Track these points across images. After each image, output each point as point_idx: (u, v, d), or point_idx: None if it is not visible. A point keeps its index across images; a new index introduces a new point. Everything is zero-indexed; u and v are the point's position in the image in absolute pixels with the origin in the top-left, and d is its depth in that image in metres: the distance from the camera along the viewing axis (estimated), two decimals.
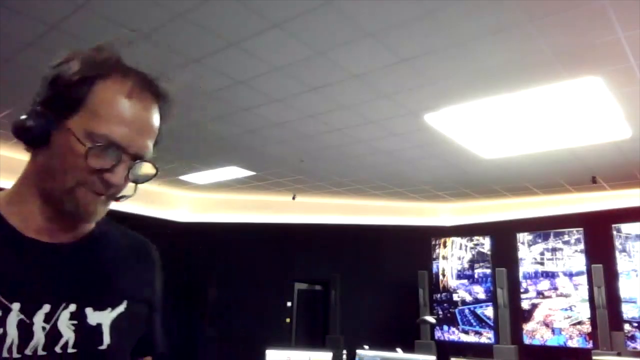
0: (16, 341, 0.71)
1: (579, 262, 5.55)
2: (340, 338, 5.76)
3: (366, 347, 4.04)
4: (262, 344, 4.17)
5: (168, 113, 0.86)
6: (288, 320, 6.78)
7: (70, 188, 0.75)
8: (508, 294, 5.70)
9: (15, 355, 0.70)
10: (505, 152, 4.21)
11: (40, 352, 0.73)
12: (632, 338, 5.01)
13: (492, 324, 5.99)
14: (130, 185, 0.81)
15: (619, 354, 4.82)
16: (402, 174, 5.14)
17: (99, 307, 0.80)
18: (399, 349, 3.97)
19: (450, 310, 6.37)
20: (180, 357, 6.04)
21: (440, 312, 6.40)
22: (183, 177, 5.61)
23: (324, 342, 5.91)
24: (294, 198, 6.16)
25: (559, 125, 3.59)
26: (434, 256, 6.60)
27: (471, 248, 6.39)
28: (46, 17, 2.44)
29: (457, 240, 6.51)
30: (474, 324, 6.16)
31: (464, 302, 6.30)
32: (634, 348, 4.95)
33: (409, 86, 3.08)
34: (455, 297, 6.38)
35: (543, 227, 5.83)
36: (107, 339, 0.79)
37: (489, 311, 6.06)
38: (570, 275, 5.58)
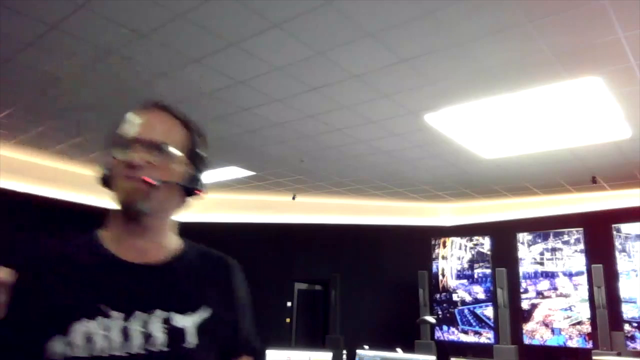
0: (120, 342, 0.88)
1: (578, 262, 5.54)
2: (340, 338, 5.76)
3: (366, 347, 4.04)
4: (262, 344, 4.16)
5: (192, 126, 1.09)
6: (288, 320, 6.78)
7: (116, 185, 0.96)
8: (508, 294, 5.70)
9: (120, 354, 0.87)
10: (505, 152, 4.22)
11: (140, 351, 0.89)
12: (632, 338, 5.01)
13: (491, 324, 5.99)
14: (173, 174, 0.99)
15: (619, 354, 4.82)
16: (402, 174, 5.14)
17: (184, 312, 0.96)
18: (399, 349, 3.97)
19: (450, 310, 6.37)
20: None
21: (440, 312, 6.40)
22: None
23: (324, 342, 5.91)
24: (294, 198, 6.16)
25: (559, 125, 3.59)
26: (434, 256, 6.60)
27: (471, 248, 6.39)
28: (46, 17, 2.44)
29: (457, 240, 6.50)
30: (474, 324, 6.16)
31: (463, 302, 6.30)
32: (634, 348, 4.95)
33: (409, 86, 3.09)
34: (454, 297, 6.37)
35: (543, 227, 5.83)
36: (191, 339, 0.94)
37: (488, 311, 6.06)
38: (570, 275, 5.58)
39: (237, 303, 1.07)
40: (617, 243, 5.27)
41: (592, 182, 4.85)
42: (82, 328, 0.86)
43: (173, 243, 1.05)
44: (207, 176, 1.09)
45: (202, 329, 0.96)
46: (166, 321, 0.93)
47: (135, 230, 0.98)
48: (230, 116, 3.72)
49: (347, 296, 6.37)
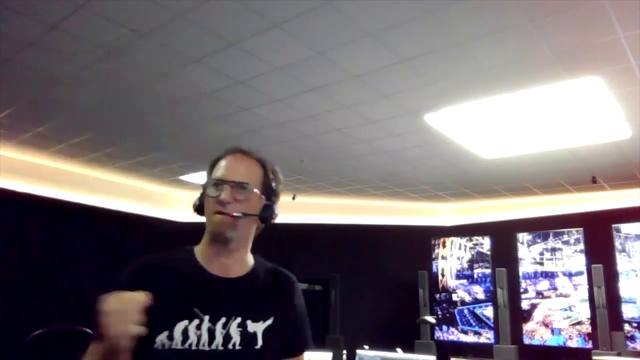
0: (207, 340, 1.14)
1: (578, 262, 5.54)
2: (340, 338, 5.76)
3: (366, 347, 4.04)
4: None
5: (267, 165, 1.31)
6: None
7: (208, 217, 1.23)
8: (508, 294, 5.71)
9: (206, 349, 1.13)
10: (505, 152, 4.21)
11: (220, 348, 1.14)
12: (632, 338, 5.01)
13: (491, 324, 5.99)
14: (253, 207, 1.25)
15: (619, 354, 4.82)
16: (402, 174, 5.14)
17: (255, 320, 1.21)
18: (399, 349, 3.97)
19: (450, 310, 6.37)
20: None
21: (439, 313, 6.39)
22: (183, 177, 5.61)
23: (324, 342, 5.90)
24: (294, 198, 6.15)
25: (559, 125, 3.59)
26: (434, 256, 6.60)
27: (470, 248, 6.38)
28: (46, 17, 2.44)
29: (456, 240, 6.50)
30: (473, 324, 6.16)
31: (463, 302, 6.30)
32: (634, 348, 4.95)
33: (409, 86, 3.08)
34: (454, 297, 6.37)
35: (543, 227, 5.83)
36: (260, 342, 1.19)
37: (488, 311, 6.06)
38: (570, 275, 5.58)
39: (296, 312, 1.32)
40: (617, 243, 5.27)
41: (592, 182, 4.85)
42: (181, 327, 1.13)
43: (249, 261, 1.31)
44: (277, 206, 1.35)
45: (268, 333, 1.20)
46: (241, 325, 1.18)
47: (222, 251, 1.23)
48: (230, 116, 3.72)
49: (347, 296, 6.37)
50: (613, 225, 5.31)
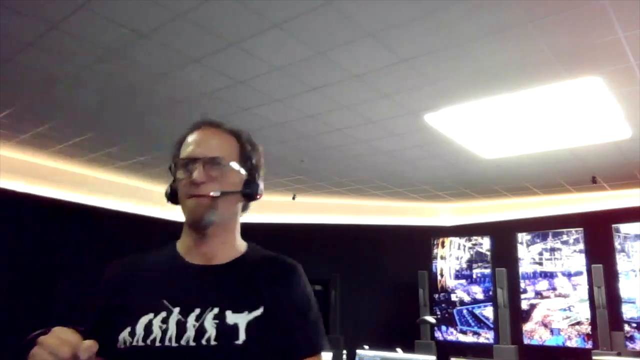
0: (175, 334, 0.98)
1: (577, 262, 5.54)
2: (340, 338, 5.76)
3: (366, 347, 4.04)
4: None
5: (243, 136, 1.16)
6: None
7: (183, 203, 1.10)
8: (508, 294, 5.71)
9: (173, 344, 0.97)
10: (505, 152, 4.21)
11: (191, 343, 0.97)
12: (631, 339, 5.01)
13: (490, 325, 5.99)
14: (232, 184, 1.09)
15: (619, 354, 4.82)
16: (402, 174, 5.14)
17: (237, 310, 1.02)
18: (399, 349, 3.97)
19: (449, 310, 6.37)
20: None
21: (438, 313, 6.39)
22: None
23: None
24: (294, 198, 6.15)
25: (559, 125, 3.59)
26: (433, 256, 6.60)
27: (469, 248, 6.39)
28: (46, 17, 2.44)
29: (455, 240, 6.51)
30: (472, 324, 6.16)
31: (462, 303, 6.30)
32: (633, 348, 4.95)
33: (409, 86, 3.08)
34: (453, 298, 6.37)
35: (543, 227, 5.83)
36: (242, 336, 0.99)
37: (487, 311, 6.06)
38: (569, 275, 5.58)
39: (294, 303, 1.09)
40: (616, 243, 5.27)
41: (592, 182, 4.85)
42: (144, 321, 0.99)
43: (238, 247, 1.15)
44: (260, 180, 1.19)
45: (255, 326, 1.01)
46: (219, 317, 1.00)
47: (203, 238, 1.09)
48: (230, 116, 3.71)
49: (347, 296, 6.37)
50: (613, 225, 5.31)
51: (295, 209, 6.56)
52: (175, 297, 1.02)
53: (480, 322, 6.10)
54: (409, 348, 4.79)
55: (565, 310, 5.52)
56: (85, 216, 5.56)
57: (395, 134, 3.95)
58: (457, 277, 6.41)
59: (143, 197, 6.10)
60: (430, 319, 5.66)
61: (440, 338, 6.27)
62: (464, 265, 6.37)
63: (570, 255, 5.61)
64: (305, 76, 3.01)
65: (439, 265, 6.55)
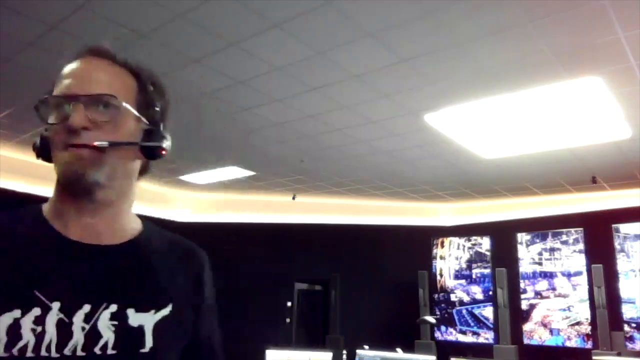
0: (55, 340, 0.70)
1: (577, 262, 5.55)
2: (340, 338, 5.76)
3: (366, 347, 4.04)
4: (262, 344, 4.17)
5: (143, 74, 0.88)
6: (288, 320, 6.78)
7: (55, 156, 0.79)
8: (508, 294, 5.70)
9: (53, 354, 0.69)
10: (505, 152, 4.21)
11: (79, 353, 0.71)
12: (631, 339, 5.01)
13: (490, 325, 5.99)
14: (127, 133, 0.81)
15: (619, 354, 4.82)
16: (402, 174, 5.14)
17: (142, 309, 0.78)
18: (399, 349, 3.96)
19: (448, 310, 6.37)
20: None
21: (438, 313, 6.39)
22: (183, 177, 5.61)
23: (324, 342, 5.91)
24: (294, 198, 6.15)
25: (559, 125, 3.59)
26: (432, 256, 6.60)
27: (469, 248, 6.38)
28: (46, 17, 2.44)
29: (455, 240, 6.51)
30: (472, 324, 6.15)
31: (461, 303, 6.30)
32: (632, 348, 4.95)
33: (409, 86, 3.09)
34: (452, 298, 6.37)
35: (543, 227, 5.83)
36: (149, 342, 0.77)
37: (487, 311, 6.05)
38: (569, 275, 5.58)
39: (203, 303, 0.90)
40: (616, 243, 5.27)
41: (592, 182, 4.85)
42: (7, 321, 0.68)
43: (132, 223, 0.86)
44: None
45: (161, 329, 0.79)
46: (118, 316, 0.75)
47: (85, 207, 0.79)
48: (230, 116, 3.72)
49: (347, 296, 6.37)
50: (613, 225, 5.31)
51: (295, 209, 6.57)
52: (53, 286, 0.73)
53: (479, 322, 6.10)
54: (409, 348, 4.79)
55: (564, 310, 5.52)
56: None
57: (395, 134, 3.95)
58: (456, 277, 6.41)
59: (143, 197, 6.09)
60: (430, 319, 5.66)
61: (440, 338, 6.27)
62: (464, 265, 6.37)
63: (569, 255, 5.62)
64: (305, 76, 3.01)
65: (438, 265, 6.55)
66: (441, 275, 6.51)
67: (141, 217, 0.90)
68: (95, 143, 0.76)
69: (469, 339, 6.12)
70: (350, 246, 6.69)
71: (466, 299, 6.26)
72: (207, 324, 0.91)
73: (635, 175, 4.71)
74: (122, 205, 0.84)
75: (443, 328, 6.34)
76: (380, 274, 6.49)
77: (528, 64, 2.73)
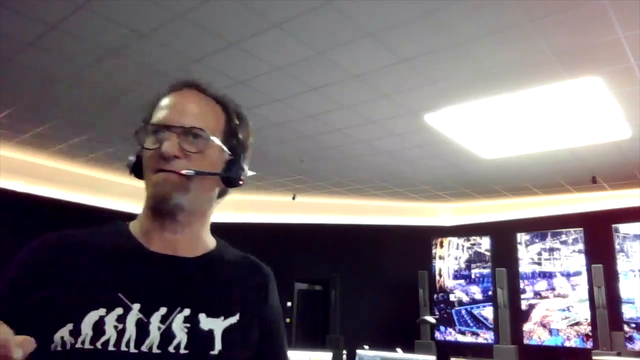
0: (134, 337, 0.78)
1: (576, 262, 5.55)
2: (340, 338, 5.76)
3: (366, 347, 4.04)
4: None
5: (230, 106, 1.00)
6: (288, 320, 6.78)
7: (147, 178, 0.89)
8: (508, 294, 5.70)
9: (132, 350, 0.77)
10: (505, 152, 4.22)
11: (155, 350, 0.78)
12: (631, 339, 5.01)
13: (489, 325, 5.99)
14: (211, 163, 0.89)
15: (619, 354, 4.82)
16: (402, 174, 5.14)
17: (212, 314, 0.85)
18: (399, 349, 3.97)
19: (447, 310, 6.37)
20: None
21: (437, 313, 6.39)
22: None
23: (324, 342, 5.91)
24: (294, 198, 6.15)
25: (559, 125, 3.59)
26: (432, 256, 6.60)
27: (468, 248, 6.39)
28: (46, 17, 2.44)
29: (454, 240, 6.51)
30: (471, 324, 6.15)
31: (460, 303, 6.30)
32: (632, 349, 4.95)
33: (409, 86, 3.09)
34: (452, 298, 6.37)
35: (543, 227, 5.83)
36: (218, 345, 0.83)
37: (486, 312, 6.05)
38: (568, 275, 5.58)
39: (274, 314, 0.96)
40: (616, 243, 5.27)
41: (592, 182, 4.85)
42: (93, 318, 0.77)
43: (207, 240, 0.95)
44: (246, 164, 0.95)
45: (230, 335, 0.85)
46: (191, 320, 0.82)
47: (168, 225, 0.88)
48: None
49: (347, 296, 6.37)
50: (612, 225, 5.31)
51: (295, 209, 6.57)
52: (134, 290, 0.81)
53: (478, 322, 6.10)
54: (409, 348, 4.79)
55: (564, 310, 5.52)
56: (85, 216, 5.56)
57: (395, 134, 3.95)
58: (455, 277, 6.41)
59: (144, 197, 6.10)
60: (430, 319, 5.66)
61: (440, 338, 6.27)
62: (463, 266, 6.37)
63: (569, 255, 5.62)
64: (305, 76, 3.01)
65: (437, 265, 6.55)
66: (440, 276, 6.51)
67: (215, 236, 0.99)
68: (183, 171, 0.85)
69: (468, 339, 6.12)
70: (350, 246, 6.69)
71: (465, 299, 6.26)
72: (274, 346, 0.95)
73: (635, 175, 4.72)
74: (200, 226, 0.93)
75: (442, 328, 6.34)
76: (380, 274, 6.49)
77: (528, 64, 2.73)
